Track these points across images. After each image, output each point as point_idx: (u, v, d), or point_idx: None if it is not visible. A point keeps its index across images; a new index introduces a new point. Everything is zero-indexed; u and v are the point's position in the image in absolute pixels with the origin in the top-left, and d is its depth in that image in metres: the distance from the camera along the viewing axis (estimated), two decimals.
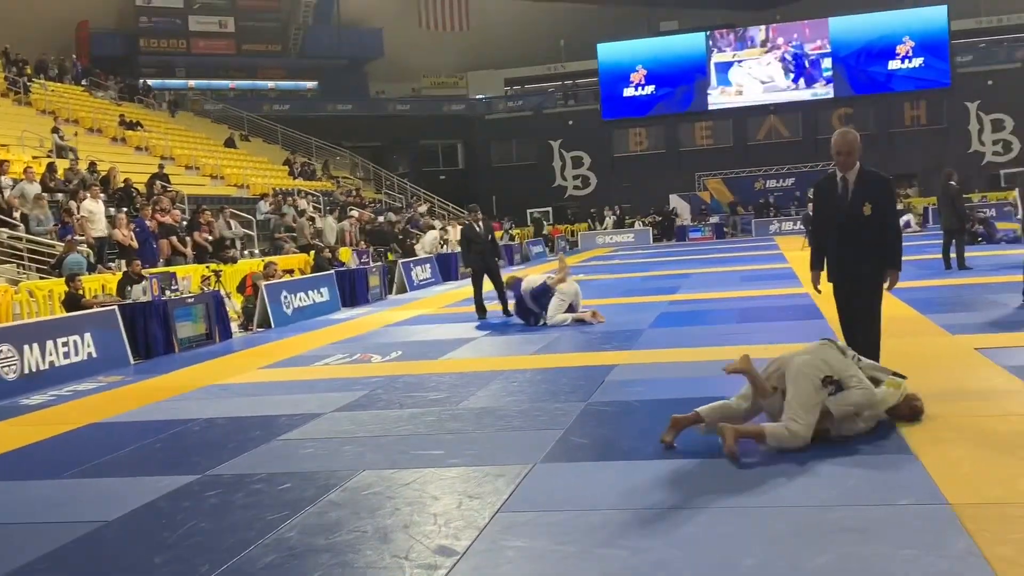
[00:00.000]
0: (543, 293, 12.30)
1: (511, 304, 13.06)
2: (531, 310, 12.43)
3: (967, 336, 8.66)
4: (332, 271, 18.33)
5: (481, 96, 48.71)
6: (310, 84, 49.00)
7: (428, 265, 23.32)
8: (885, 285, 6.55)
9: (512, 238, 33.51)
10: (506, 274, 13.90)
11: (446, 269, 24.17)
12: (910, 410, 5.82)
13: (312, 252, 20.64)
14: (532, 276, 12.90)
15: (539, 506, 4.74)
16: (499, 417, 6.89)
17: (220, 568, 4.14)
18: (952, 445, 5.26)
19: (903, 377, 5.88)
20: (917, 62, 41.17)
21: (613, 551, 4.05)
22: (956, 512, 4.15)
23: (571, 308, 12.29)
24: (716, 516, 4.40)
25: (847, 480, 4.79)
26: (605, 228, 40.54)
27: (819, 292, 6.94)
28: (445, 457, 5.81)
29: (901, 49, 41.35)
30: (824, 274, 6.77)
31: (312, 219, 24.09)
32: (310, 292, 16.75)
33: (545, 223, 41.80)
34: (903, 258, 6.70)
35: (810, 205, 26.40)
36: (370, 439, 6.49)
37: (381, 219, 28.29)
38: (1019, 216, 16.98)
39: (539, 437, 6.13)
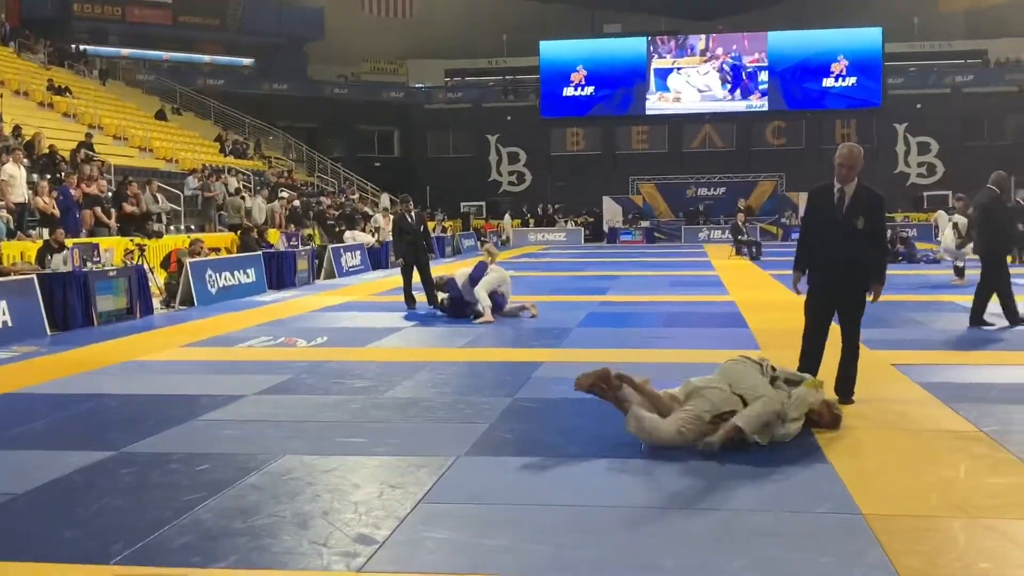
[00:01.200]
0: (477, 275, 12.28)
1: (445, 298, 12.93)
2: (468, 303, 12.39)
3: (885, 352, 8.89)
4: (260, 252, 18.06)
5: (421, 85, 48.44)
6: (247, 61, 48.17)
7: (358, 252, 23.13)
8: (869, 297, 6.74)
9: (444, 230, 33.41)
10: (436, 274, 13.82)
11: (376, 257, 24.00)
12: (831, 417, 5.98)
13: (239, 232, 20.32)
14: (462, 269, 12.87)
15: (461, 498, 4.74)
16: (424, 408, 6.86)
17: (133, 547, 4.05)
18: (867, 457, 5.39)
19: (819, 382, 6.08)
20: (850, 81, 42.06)
21: (534, 546, 4.06)
22: (869, 522, 4.25)
23: (498, 298, 12.26)
24: (638, 516, 4.44)
25: (766, 487, 4.88)
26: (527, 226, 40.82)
27: (798, 293, 7.05)
28: (368, 445, 5.77)
29: (835, 67, 42.20)
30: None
31: (243, 198, 23.71)
32: (236, 272, 16.49)
33: (487, 217, 41.85)
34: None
35: (739, 215, 26.81)
36: (292, 424, 6.42)
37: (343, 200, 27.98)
38: (939, 238, 17.47)
39: (464, 430, 6.12)
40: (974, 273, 16.95)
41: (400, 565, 3.86)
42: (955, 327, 11.06)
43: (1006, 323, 10.61)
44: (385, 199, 33.06)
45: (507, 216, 41.11)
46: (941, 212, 21.56)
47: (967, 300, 13.59)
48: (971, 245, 16.85)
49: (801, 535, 4.16)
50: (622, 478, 5.06)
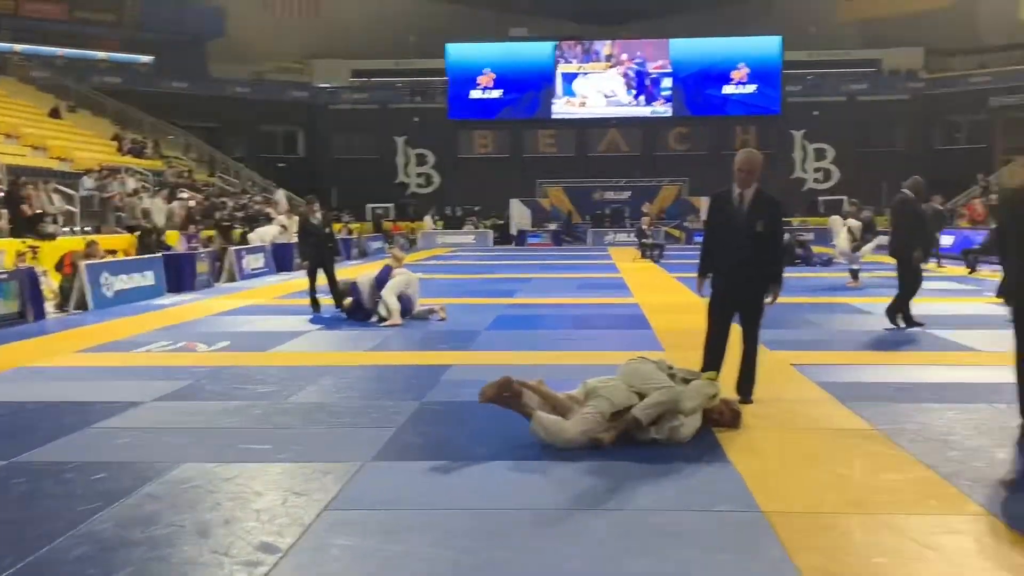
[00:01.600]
0: (384, 277, 12.19)
1: (348, 302, 12.79)
2: (368, 309, 12.27)
3: (784, 352, 9.11)
4: (159, 254, 17.60)
5: (326, 85, 47.86)
6: (145, 58, 46.89)
7: (261, 254, 22.71)
8: (767, 300, 6.88)
9: (350, 232, 33.07)
10: (341, 277, 13.66)
11: (281, 259, 23.60)
12: (731, 415, 6.12)
13: (138, 233, 19.77)
14: (366, 273, 12.75)
15: (367, 505, 4.69)
16: (330, 413, 6.77)
17: (25, 560, 3.90)
18: (767, 455, 5.51)
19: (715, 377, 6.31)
20: (751, 88, 43.11)
21: (440, 551, 4.04)
22: (769, 520, 4.35)
23: (407, 301, 12.19)
24: (543, 518, 4.46)
25: (668, 486, 4.95)
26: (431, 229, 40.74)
27: (703, 296, 7.19)
28: (272, 452, 5.66)
29: (736, 75, 43.21)
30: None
31: (140, 199, 23.08)
32: (134, 275, 16.03)
33: (395, 219, 41.55)
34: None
35: (643, 219, 27.12)
36: (192, 431, 6.26)
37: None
38: (835, 242, 17.99)
39: (370, 435, 6.06)
40: (868, 276, 17.58)
41: (304, 573, 3.80)
42: (850, 328, 11.41)
43: (894, 323, 10.96)
44: (281, 196, 32.37)
45: (428, 217, 40.91)
46: (836, 217, 22.17)
47: (862, 302, 14.09)
48: (866, 248, 17.44)
49: (703, 533, 4.23)
50: (528, 480, 5.07)
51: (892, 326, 10.96)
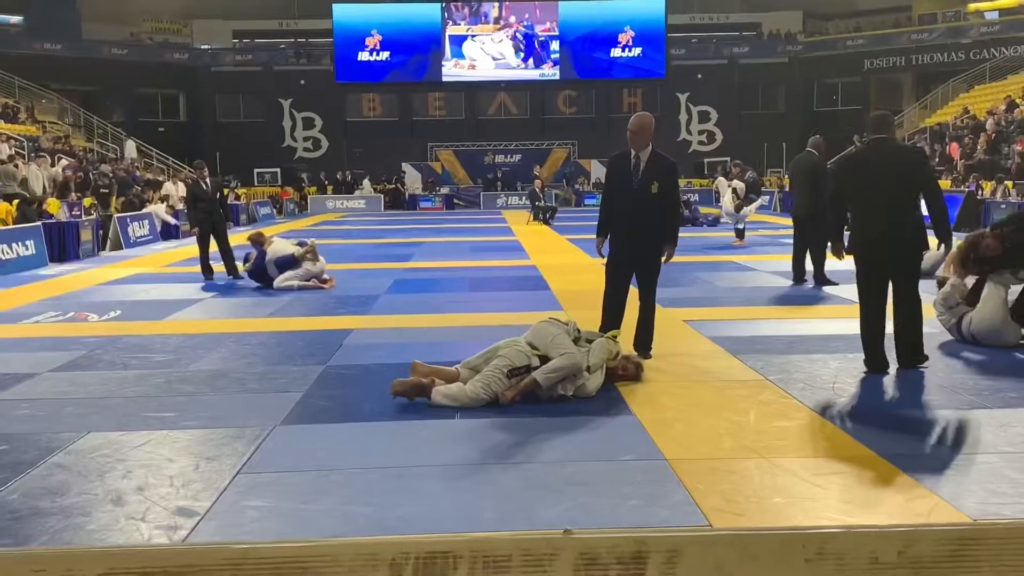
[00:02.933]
0: (288, 263, 12.02)
1: (248, 264, 12.57)
2: (268, 276, 12.12)
3: (677, 309, 9.43)
4: (39, 223, 16.97)
5: (207, 46, 46.43)
6: (14, 19, 44.60)
7: (146, 221, 22.09)
8: (663, 258, 7.10)
9: (238, 197, 32.39)
10: (252, 231, 13.43)
11: (166, 227, 23.01)
12: (634, 367, 6.37)
13: (16, 201, 18.98)
14: (280, 244, 12.47)
15: (281, 467, 4.72)
16: (234, 380, 6.74)
17: None
18: (667, 407, 5.74)
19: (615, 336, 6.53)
20: (636, 51, 43.61)
21: (357, 508, 4.12)
22: (672, 467, 4.56)
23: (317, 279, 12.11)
24: (455, 473, 4.58)
25: (575, 438, 5.13)
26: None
27: (602, 257, 7.38)
28: (177, 419, 5.63)
29: (623, 38, 43.64)
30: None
31: (16, 166, 22.13)
32: (13, 245, 15.45)
33: (283, 184, 40.73)
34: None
35: (536, 182, 27.33)
36: (93, 400, 6.15)
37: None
38: (721, 203, 18.52)
39: (277, 399, 6.07)
40: (752, 235, 18.18)
41: (225, 535, 3.83)
42: (738, 284, 11.84)
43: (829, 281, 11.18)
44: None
45: (366, 182, 40.35)
46: (721, 178, 22.81)
47: (748, 259, 14.59)
48: (750, 207, 18.01)
49: (611, 482, 4.41)
50: (437, 437, 5.18)
51: (832, 282, 11.04)
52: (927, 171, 6.89)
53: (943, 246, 6.99)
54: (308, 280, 11.94)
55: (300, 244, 12.38)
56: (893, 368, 6.60)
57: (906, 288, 6.49)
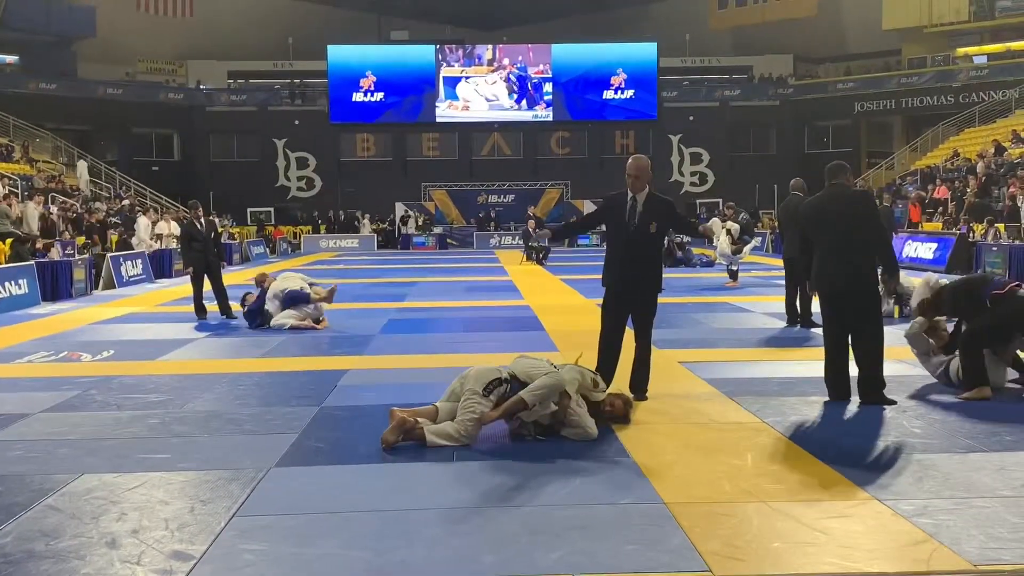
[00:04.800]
0: (298, 299, 11.94)
1: (250, 298, 12.51)
2: (265, 312, 12.03)
3: (672, 350, 9.42)
4: (32, 262, 16.94)
5: (202, 86, 46.70)
6: (10, 58, 44.84)
7: (140, 261, 22.07)
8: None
9: (232, 236, 32.41)
10: (258, 268, 13.39)
11: (159, 266, 23.00)
12: (622, 402, 6.38)
13: (9, 240, 18.96)
14: (283, 281, 12.30)
15: (277, 510, 4.69)
16: (228, 421, 6.70)
17: None
18: (664, 449, 5.72)
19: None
20: (629, 94, 43.99)
21: (354, 552, 4.09)
22: (671, 510, 4.54)
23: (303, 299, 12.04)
24: (453, 516, 4.55)
25: (573, 482, 5.10)
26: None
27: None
28: (173, 461, 5.58)
29: (615, 80, 44.03)
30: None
31: (9, 204, 22.13)
32: (6, 283, 15.41)
33: (276, 224, 40.82)
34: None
35: (529, 222, 27.40)
36: (87, 442, 6.11)
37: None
38: (715, 244, 18.57)
39: (272, 441, 6.03)
40: (745, 276, 18.24)
41: None
42: (732, 326, 11.84)
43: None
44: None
45: (366, 220, 40.40)
46: (715, 219, 22.90)
47: (742, 300, 14.62)
48: (746, 248, 18.07)
49: (609, 526, 4.38)
50: (435, 480, 5.15)
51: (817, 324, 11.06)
52: (871, 211, 7.24)
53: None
54: (303, 320, 11.89)
55: (313, 284, 12.29)
56: (885, 409, 6.66)
57: (862, 325, 6.92)
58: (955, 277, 10.31)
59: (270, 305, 12.01)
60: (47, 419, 6.82)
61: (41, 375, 8.89)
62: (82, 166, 32.02)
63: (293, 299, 11.92)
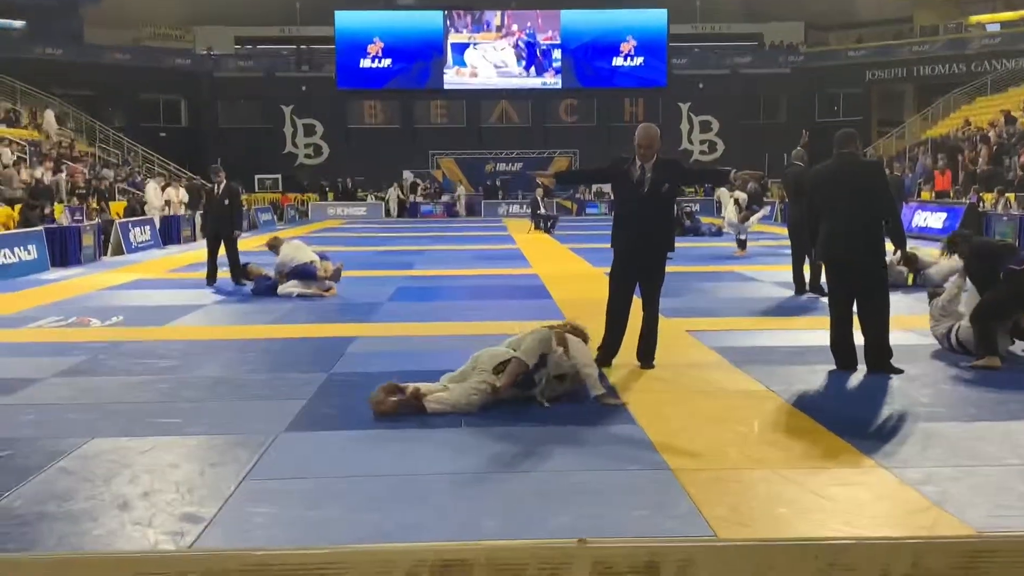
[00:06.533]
0: (305, 275, 11.94)
1: (255, 270, 12.52)
2: (274, 282, 12.05)
3: (679, 319, 9.43)
4: (41, 228, 16.99)
5: (209, 52, 46.51)
6: (16, 23, 44.73)
7: (148, 227, 22.11)
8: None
9: (241, 204, 32.40)
10: (269, 234, 13.38)
11: (168, 232, 23.04)
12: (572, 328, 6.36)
13: (18, 206, 19.02)
14: (293, 250, 12.20)
15: (286, 474, 4.73)
16: (238, 386, 6.74)
17: None
18: (670, 417, 5.75)
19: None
20: (638, 61, 43.74)
21: (363, 515, 4.13)
22: (677, 477, 4.57)
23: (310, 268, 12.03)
24: (461, 481, 4.59)
25: (580, 448, 5.13)
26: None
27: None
28: (182, 425, 5.63)
29: (624, 47, 43.76)
30: None
31: (19, 170, 22.15)
32: (16, 249, 15.47)
33: (284, 190, 40.78)
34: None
35: (538, 191, 27.34)
36: (97, 406, 6.15)
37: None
38: (723, 213, 18.54)
39: (281, 406, 6.07)
40: (754, 245, 18.20)
41: (231, 541, 3.83)
42: (740, 295, 11.85)
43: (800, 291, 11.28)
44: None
45: (393, 188, 40.33)
46: (723, 189, 22.82)
47: (750, 270, 14.61)
48: (753, 218, 18.03)
49: (616, 491, 4.41)
50: (442, 447, 5.18)
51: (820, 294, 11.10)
52: (882, 182, 7.25)
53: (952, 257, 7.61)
54: (309, 288, 11.89)
55: (323, 257, 12.26)
56: (892, 378, 6.68)
57: (869, 294, 6.89)
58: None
59: (274, 273, 12.02)
60: (57, 384, 6.87)
61: (51, 340, 8.94)
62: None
63: (301, 273, 11.90)
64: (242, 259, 13.23)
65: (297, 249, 12.26)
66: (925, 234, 20.82)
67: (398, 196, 40.20)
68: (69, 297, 12.31)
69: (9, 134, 28.22)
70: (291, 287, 11.84)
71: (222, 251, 13.27)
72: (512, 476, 4.67)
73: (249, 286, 12.51)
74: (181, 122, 46.12)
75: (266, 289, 12.12)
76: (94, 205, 22.00)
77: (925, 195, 27.58)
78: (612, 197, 7.82)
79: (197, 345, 8.51)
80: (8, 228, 17.32)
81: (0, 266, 14.69)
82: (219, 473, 4.71)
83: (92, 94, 41.34)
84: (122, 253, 19.56)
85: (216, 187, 13.44)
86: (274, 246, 12.43)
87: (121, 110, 43.22)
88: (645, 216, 7.01)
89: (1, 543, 3.78)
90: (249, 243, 14.76)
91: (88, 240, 18.29)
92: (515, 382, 5.91)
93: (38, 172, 22.46)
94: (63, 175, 23.67)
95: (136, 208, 23.90)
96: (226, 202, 13.35)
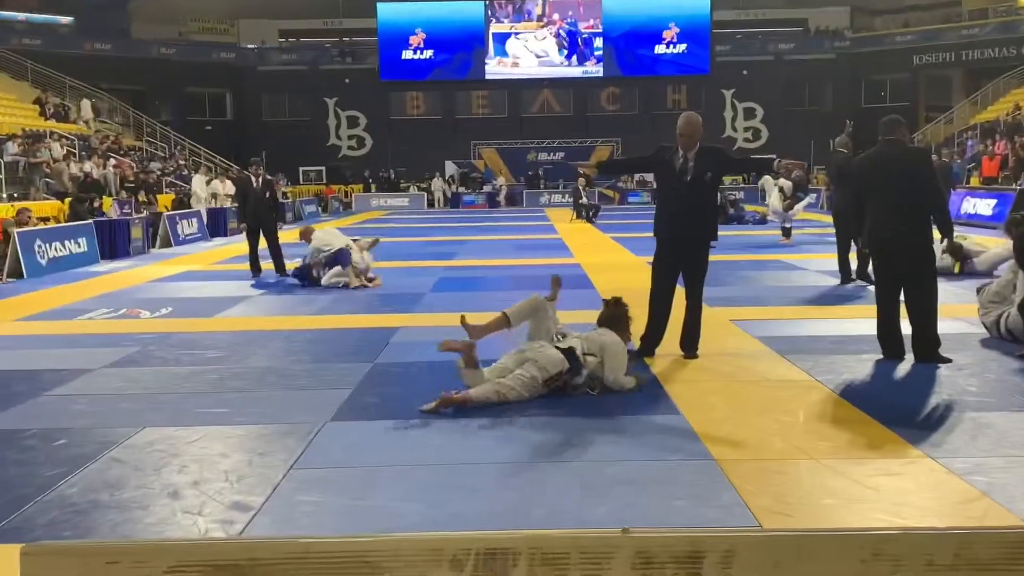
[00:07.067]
0: (340, 260, 12.02)
1: (298, 262, 12.67)
2: (311, 270, 12.17)
3: (723, 308, 9.38)
4: (91, 221, 17.28)
5: (253, 45, 46.93)
6: (65, 19, 45.43)
7: (195, 219, 22.42)
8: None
9: (285, 196, 32.73)
10: (302, 227, 13.55)
11: (215, 224, 23.33)
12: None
13: (69, 200, 19.36)
14: (324, 236, 12.36)
15: (332, 463, 4.79)
16: (284, 376, 6.83)
17: None
18: (714, 406, 5.73)
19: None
20: (681, 48, 43.39)
21: (408, 505, 4.17)
22: (721, 467, 4.56)
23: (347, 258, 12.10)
24: (505, 471, 4.62)
25: (623, 438, 5.14)
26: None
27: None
28: (231, 415, 5.72)
29: (667, 34, 43.43)
30: None
31: (68, 165, 22.55)
32: (67, 242, 15.76)
33: (328, 182, 41.10)
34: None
35: (580, 180, 27.28)
36: (148, 396, 6.28)
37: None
38: (767, 201, 18.37)
39: (327, 396, 6.14)
40: (799, 234, 18.03)
41: (279, 529, 3.90)
42: (785, 283, 11.75)
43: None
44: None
45: (437, 179, 40.60)
46: (767, 176, 22.61)
47: (795, 258, 14.48)
48: (798, 206, 17.86)
49: (659, 481, 4.42)
50: (486, 436, 5.21)
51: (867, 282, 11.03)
52: (928, 170, 7.12)
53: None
54: (353, 277, 11.96)
55: (355, 239, 12.39)
56: (939, 367, 6.60)
57: (916, 282, 6.81)
58: None
59: (312, 260, 12.13)
60: (109, 374, 7.01)
61: (102, 332, 9.11)
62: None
63: (336, 260, 12.00)
64: (290, 252, 13.37)
65: (330, 235, 12.37)
66: (974, 221, 20.48)
67: (443, 187, 40.35)
68: (119, 289, 12.52)
69: (59, 128, 28.72)
70: (333, 277, 11.91)
71: (263, 243, 13.43)
72: (555, 465, 4.69)
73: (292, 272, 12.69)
74: (227, 115, 46.61)
75: (301, 274, 12.24)
76: (142, 198, 22.35)
77: (974, 181, 27.09)
78: (655, 186, 7.76)
79: (244, 336, 8.62)
80: (59, 221, 17.64)
81: (52, 259, 14.97)
82: (267, 462, 4.78)
83: (139, 88, 41.90)
84: (170, 245, 19.85)
85: (256, 180, 13.59)
86: (307, 234, 12.58)
87: (168, 104, 43.78)
88: (688, 205, 6.98)
89: (56, 530, 3.87)
90: (291, 235, 14.88)
91: (137, 233, 18.59)
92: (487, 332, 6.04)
93: (87, 166, 22.80)
94: (111, 169, 24.02)
95: (184, 201, 24.21)
96: (267, 195, 13.53)
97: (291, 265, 12.97)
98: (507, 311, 6.18)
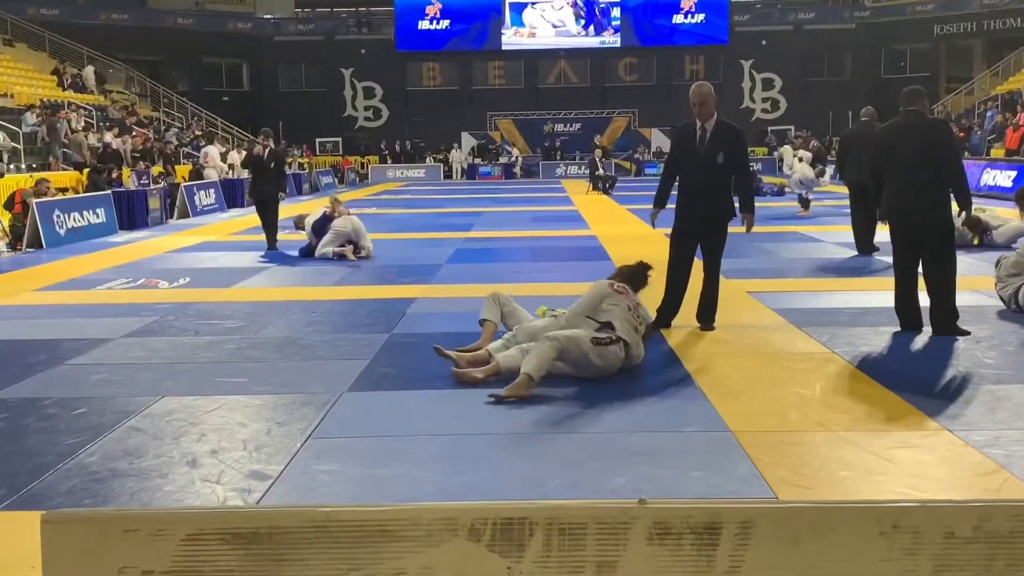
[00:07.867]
0: (324, 224, 12.10)
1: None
2: (309, 243, 12.22)
3: (741, 280, 9.35)
4: (109, 191, 17.35)
5: (269, 16, 46.77)
6: None
7: (212, 190, 22.46)
8: (743, 228, 7.25)
9: (301, 167, 32.74)
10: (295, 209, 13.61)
11: (231, 195, 23.37)
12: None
13: (88, 170, 19.42)
14: (314, 211, 12.61)
15: (350, 432, 4.82)
16: (302, 347, 6.86)
17: (19, 493, 3.97)
18: (730, 379, 5.72)
19: None
20: (699, 18, 43.00)
21: (425, 474, 4.19)
22: (738, 439, 4.56)
23: (353, 244, 12.07)
24: (520, 441, 4.63)
25: (639, 409, 5.14)
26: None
27: (655, 228, 7.59)
28: (249, 385, 5.75)
29: (685, 4, 43.02)
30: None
31: (86, 135, 22.61)
32: (85, 212, 15.83)
33: (344, 153, 41.08)
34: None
35: (596, 151, 27.17)
36: (167, 366, 6.31)
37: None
38: (788, 172, 18.26)
39: (344, 366, 6.16)
40: (817, 205, 17.92)
41: (297, 497, 3.92)
42: (802, 255, 11.71)
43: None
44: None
45: (455, 150, 40.54)
46: (787, 147, 22.49)
47: (813, 230, 14.41)
48: (824, 176, 17.78)
49: (675, 453, 4.42)
50: (503, 407, 5.21)
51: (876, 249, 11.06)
52: (947, 141, 7.05)
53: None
54: (343, 246, 11.91)
55: (327, 209, 12.42)
56: (957, 339, 6.57)
57: (934, 255, 6.75)
58: None
59: (309, 237, 12.21)
60: (128, 344, 7.06)
61: (121, 301, 9.17)
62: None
63: (321, 226, 12.03)
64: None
65: (312, 209, 12.53)
66: (994, 192, 20.29)
67: (462, 159, 40.29)
68: (137, 259, 12.58)
69: (76, 99, 28.77)
70: (324, 247, 11.88)
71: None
72: (571, 436, 4.70)
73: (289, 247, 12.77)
74: (243, 86, 46.54)
75: (305, 251, 12.30)
76: (159, 169, 22.39)
77: (996, 152, 26.81)
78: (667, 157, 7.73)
79: (261, 306, 8.65)
80: (77, 192, 17.71)
81: (71, 229, 15.05)
82: (285, 431, 4.81)
83: (156, 59, 41.89)
84: (187, 216, 19.91)
85: (264, 151, 13.52)
86: (299, 222, 12.82)
87: (185, 75, 43.75)
88: (706, 176, 6.94)
89: (76, 498, 3.91)
90: (311, 205, 14.91)
91: (155, 203, 18.66)
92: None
93: (106, 137, 22.85)
94: (129, 140, 24.07)
95: (200, 172, 24.25)
96: (272, 165, 13.45)
97: (283, 236, 12.97)
98: (499, 360, 5.75)
